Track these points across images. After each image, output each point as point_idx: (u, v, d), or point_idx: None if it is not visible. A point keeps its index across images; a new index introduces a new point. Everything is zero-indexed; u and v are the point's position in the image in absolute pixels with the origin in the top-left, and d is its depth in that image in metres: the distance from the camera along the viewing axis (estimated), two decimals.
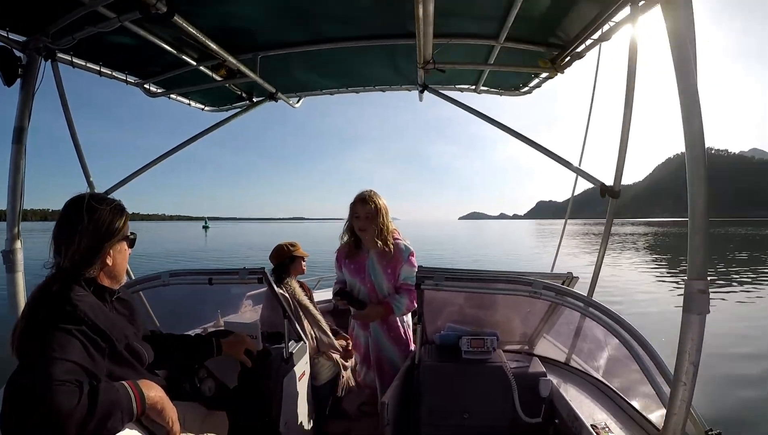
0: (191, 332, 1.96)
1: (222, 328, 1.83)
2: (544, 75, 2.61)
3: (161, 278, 1.79)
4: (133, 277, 2.08)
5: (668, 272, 14.94)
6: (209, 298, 2.50)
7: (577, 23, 1.98)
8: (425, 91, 2.74)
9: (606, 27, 1.86)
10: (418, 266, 1.69)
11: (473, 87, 3.00)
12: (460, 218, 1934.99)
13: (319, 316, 2.41)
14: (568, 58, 2.20)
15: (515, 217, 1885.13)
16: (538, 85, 2.87)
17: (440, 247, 29.77)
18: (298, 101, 3.24)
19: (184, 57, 2.29)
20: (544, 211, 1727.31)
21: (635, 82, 1.76)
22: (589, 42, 2.01)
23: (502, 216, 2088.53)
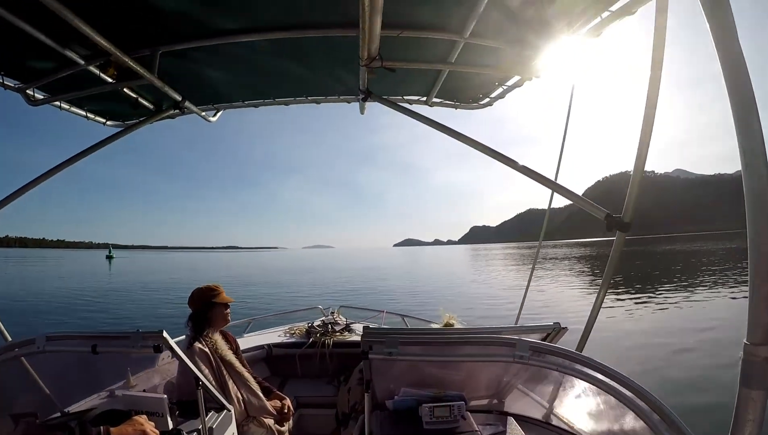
0: (80, 406, 1.83)
1: (115, 407, 1.65)
2: (512, 81, 2.46)
3: (35, 343, 1.60)
4: (8, 337, 2.03)
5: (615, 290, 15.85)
6: (109, 356, 1.75)
7: (562, 16, 1.79)
8: (368, 101, 2.50)
9: (597, 20, 1.72)
10: (364, 328, 1.54)
11: (424, 98, 2.85)
12: (395, 245, 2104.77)
13: (247, 374, 2.32)
14: (542, 60, 1.98)
15: (450, 242, 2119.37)
16: (501, 96, 2.71)
17: (378, 274, 31.34)
18: (215, 114, 3.00)
19: (68, 53, 1.97)
20: (478, 236, 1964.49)
21: (657, 96, 1.53)
22: (576, 37, 1.81)
23: (437, 242, 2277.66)
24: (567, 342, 1.62)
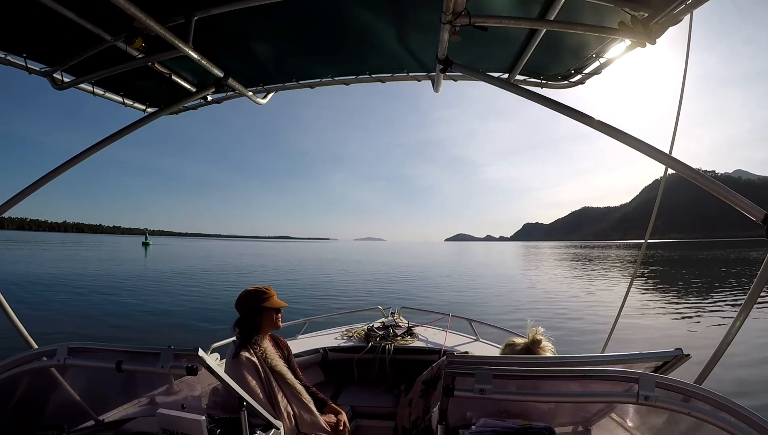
0: (114, 415, 1.87)
1: (150, 430, 1.67)
2: (613, 51, 2.26)
3: (56, 356, 1.57)
4: (32, 344, 2.12)
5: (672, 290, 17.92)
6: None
7: None
8: (449, 72, 2.23)
9: None
10: (447, 356, 1.50)
11: (505, 75, 2.68)
12: (447, 239, 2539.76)
13: (299, 386, 2.33)
14: (663, 20, 1.83)
15: (501, 238, 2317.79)
16: (597, 71, 2.50)
17: (432, 270, 32.23)
18: (264, 96, 2.95)
19: (91, 27, 1.96)
20: (530, 233, 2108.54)
21: None
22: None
23: (489, 238, 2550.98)
24: (679, 372, 1.48)
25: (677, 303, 14.79)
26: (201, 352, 1.41)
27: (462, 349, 3.68)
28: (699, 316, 12.21)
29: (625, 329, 9.62)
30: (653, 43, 1.95)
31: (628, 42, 2.03)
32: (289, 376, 2.33)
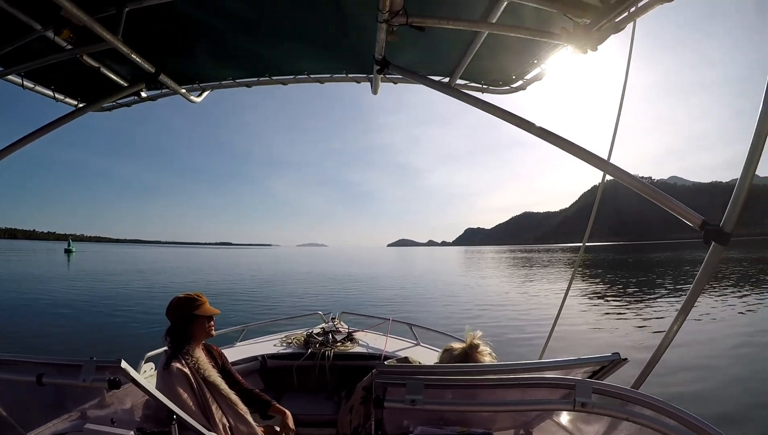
0: (42, 431, 1.78)
1: None
2: (558, 56, 2.38)
3: None
4: None
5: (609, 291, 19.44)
6: None
7: None
8: (385, 73, 2.37)
9: None
10: (377, 366, 1.48)
11: (446, 79, 2.74)
12: (389, 245, 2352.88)
13: (234, 397, 2.33)
14: (605, 27, 1.90)
15: (444, 244, 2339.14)
16: (538, 77, 2.63)
17: (374, 275, 33.35)
18: (199, 94, 2.95)
19: (16, 13, 1.93)
20: (472, 238, 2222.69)
21: None
22: (632, 9, 1.75)
23: (431, 243, 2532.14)
24: (616, 376, 1.55)
25: (617, 306, 15.61)
26: (124, 364, 1.40)
27: (403, 353, 3.83)
28: (640, 318, 12.99)
29: (565, 333, 10.20)
30: (594, 50, 2.08)
31: (570, 48, 2.11)
32: (224, 386, 2.33)
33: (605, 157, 1.99)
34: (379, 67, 2.27)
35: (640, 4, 1.78)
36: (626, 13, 1.84)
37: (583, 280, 25.66)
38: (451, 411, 1.57)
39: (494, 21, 2.11)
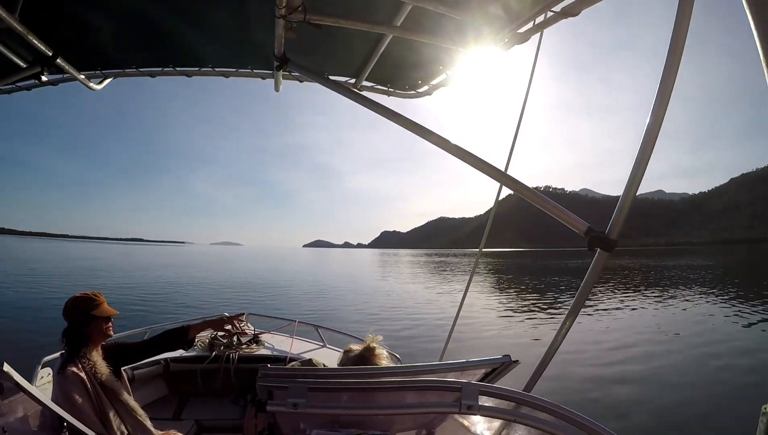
0: None
1: None
2: (463, 63, 2.47)
3: None
4: None
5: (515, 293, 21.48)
6: None
7: None
8: (284, 70, 2.39)
9: None
10: (260, 368, 1.47)
11: (352, 80, 2.80)
12: (305, 246, 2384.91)
13: (133, 403, 2.28)
14: (509, 37, 2.02)
15: (360, 246, 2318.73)
16: (444, 83, 2.72)
17: (288, 276, 34.08)
18: (101, 81, 2.90)
19: None
20: (388, 241, 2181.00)
21: (668, 100, 1.31)
22: (539, 18, 1.88)
23: (347, 244, 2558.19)
24: (513, 377, 1.66)
25: (520, 308, 16.73)
26: (7, 367, 1.35)
27: (308, 355, 3.93)
28: (541, 320, 14.07)
29: (468, 335, 10.99)
30: (498, 58, 2.18)
31: (476, 57, 2.21)
32: (122, 391, 2.29)
33: (503, 168, 2.02)
34: (278, 64, 2.29)
35: (542, 18, 1.90)
36: (530, 25, 1.96)
37: (492, 285, 27.06)
38: (345, 414, 1.58)
39: (398, 24, 2.17)
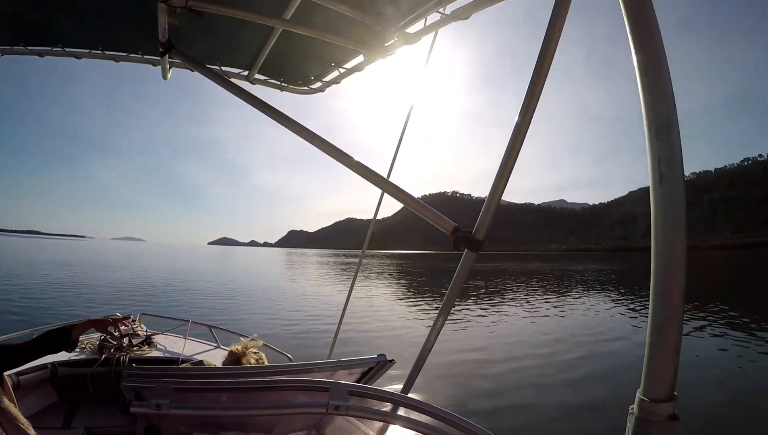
0: None
1: None
2: (352, 62, 2.60)
3: None
4: None
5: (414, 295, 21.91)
6: None
7: None
8: (170, 58, 2.40)
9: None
10: (125, 368, 1.49)
11: (245, 72, 2.85)
12: (210, 243, 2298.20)
13: (14, 410, 2.12)
14: (396, 37, 2.16)
15: (266, 244, 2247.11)
16: (336, 80, 2.84)
17: (191, 275, 34.12)
18: None
19: None
20: (294, 240, 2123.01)
21: (539, 93, 1.35)
22: (430, 19, 1.99)
23: (253, 243, 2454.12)
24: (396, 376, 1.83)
25: (416, 308, 17.97)
26: None
27: (201, 356, 4.03)
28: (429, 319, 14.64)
29: (362, 335, 11.78)
30: (384, 57, 2.37)
31: (366, 55, 2.37)
32: (2, 398, 2.10)
33: (385, 175, 2.05)
34: (162, 51, 2.29)
35: (433, 19, 2.03)
36: (422, 26, 2.09)
37: (393, 285, 27.94)
38: (210, 415, 1.61)
39: (288, 18, 2.23)
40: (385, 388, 1.46)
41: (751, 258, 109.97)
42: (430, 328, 1.80)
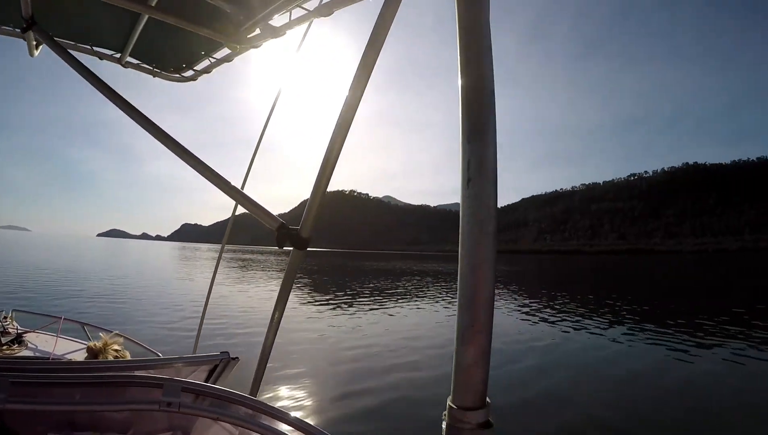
0: None
1: None
2: (221, 53, 2.54)
3: None
4: None
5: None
6: None
7: None
8: (34, 36, 2.30)
9: None
10: None
11: (118, 54, 2.79)
12: (99, 235, 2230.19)
13: None
14: (258, 30, 2.12)
15: (158, 238, 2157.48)
16: (207, 70, 2.79)
17: (77, 268, 33.45)
18: None
19: None
20: (188, 234, 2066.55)
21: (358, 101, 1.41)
22: (295, 14, 1.96)
23: (145, 236, 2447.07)
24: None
25: (327, 308, 17.77)
26: None
27: (72, 356, 3.90)
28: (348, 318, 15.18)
29: (247, 331, 11.97)
30: (248, 49, 2.34)
31: (233, 47, 2.37)
32: None
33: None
34: (24, 26, 2.21)
35: (297, 14, 2.01)
36: (286, 20, 2.08)
37: (302, 287, 26.98)
38: (81, 411, 1.59)
39: (153, 5, 2.18)
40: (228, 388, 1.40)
41: (630, 262, 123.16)
42: (267, 327, 1.80)
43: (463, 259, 0.89)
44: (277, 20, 2.20)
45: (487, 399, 0.90)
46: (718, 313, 17.65)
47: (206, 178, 1.77)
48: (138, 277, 30.58)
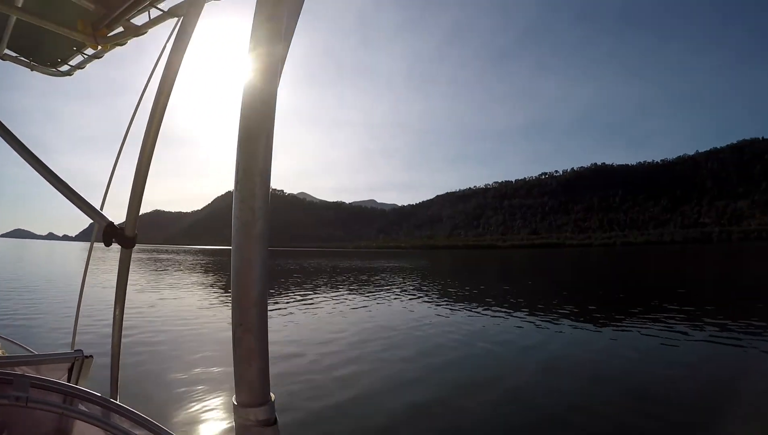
0: None
1: None
2: (90, 49, 2.49)
3: None
4: None
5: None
6: None
7: None
8: None
9: None
10: None
11: None
12: (2, 235, 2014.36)
13: None
14: (120, 28, 2.06)
15: (66, 238, 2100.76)
16: (81, 66, 2.76)
17: None
18: None
19: None
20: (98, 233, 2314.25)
21: (169, 90, 1.54)
22: (155, 14, 1.94)
23: (51, 236, 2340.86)
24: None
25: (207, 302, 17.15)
26: None
27: None
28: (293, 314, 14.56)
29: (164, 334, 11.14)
30: (112, 47, 2.30)
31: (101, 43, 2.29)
32: None
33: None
34: None
35: (155, 14, 1.97)
36: (146, 19, 2.03)
37: (209, 285, 26.30)
38: None
39: (20, 5, 2.12)
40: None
41: (541, 254, 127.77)
42: (111, 327, 1.88)
43: (234, 261, 0.90)
44: (139, 19, 2.18)
45: (272, 395, 0.91)
46: (629, 302, 18.28)
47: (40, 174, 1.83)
48: (38, 277, 29.49)
